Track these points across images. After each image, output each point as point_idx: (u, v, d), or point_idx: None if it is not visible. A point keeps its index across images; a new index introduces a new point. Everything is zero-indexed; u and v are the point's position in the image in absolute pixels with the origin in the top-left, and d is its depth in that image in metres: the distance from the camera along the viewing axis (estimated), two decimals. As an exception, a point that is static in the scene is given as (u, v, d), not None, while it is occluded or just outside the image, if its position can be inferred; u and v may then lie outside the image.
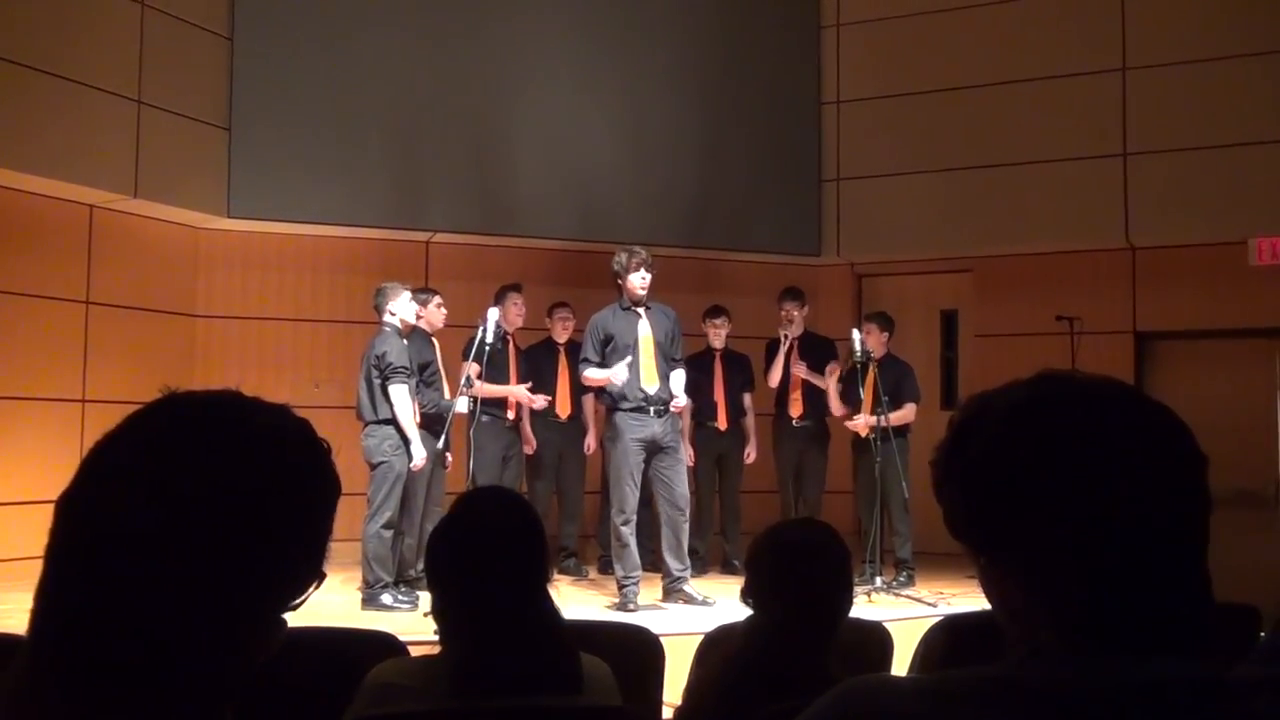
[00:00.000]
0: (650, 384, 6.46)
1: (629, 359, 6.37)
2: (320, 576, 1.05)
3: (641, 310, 6.57)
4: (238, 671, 1.00)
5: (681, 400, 6.57)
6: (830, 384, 7.69)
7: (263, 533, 0.98)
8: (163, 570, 0.95)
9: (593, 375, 6.53)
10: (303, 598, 1.04)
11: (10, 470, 6.91)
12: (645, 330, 6.52)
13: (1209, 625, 1.01)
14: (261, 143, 8.06)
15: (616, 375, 6.35)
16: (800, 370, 7.79)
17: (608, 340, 6.50)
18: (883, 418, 7.11)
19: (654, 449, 6.44)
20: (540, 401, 7.38)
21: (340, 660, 2.53)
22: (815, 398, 7.86)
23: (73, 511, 0.98)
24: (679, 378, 6.62)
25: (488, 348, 6.85)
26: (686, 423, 7.57)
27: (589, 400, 8.03)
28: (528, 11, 8.77)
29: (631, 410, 6.42)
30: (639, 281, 6.50)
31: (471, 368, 6.85)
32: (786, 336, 7.88)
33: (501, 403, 7.33)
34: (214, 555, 0.96)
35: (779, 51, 9.47)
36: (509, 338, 7.44)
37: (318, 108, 8.17)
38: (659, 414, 6.45)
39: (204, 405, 1.03)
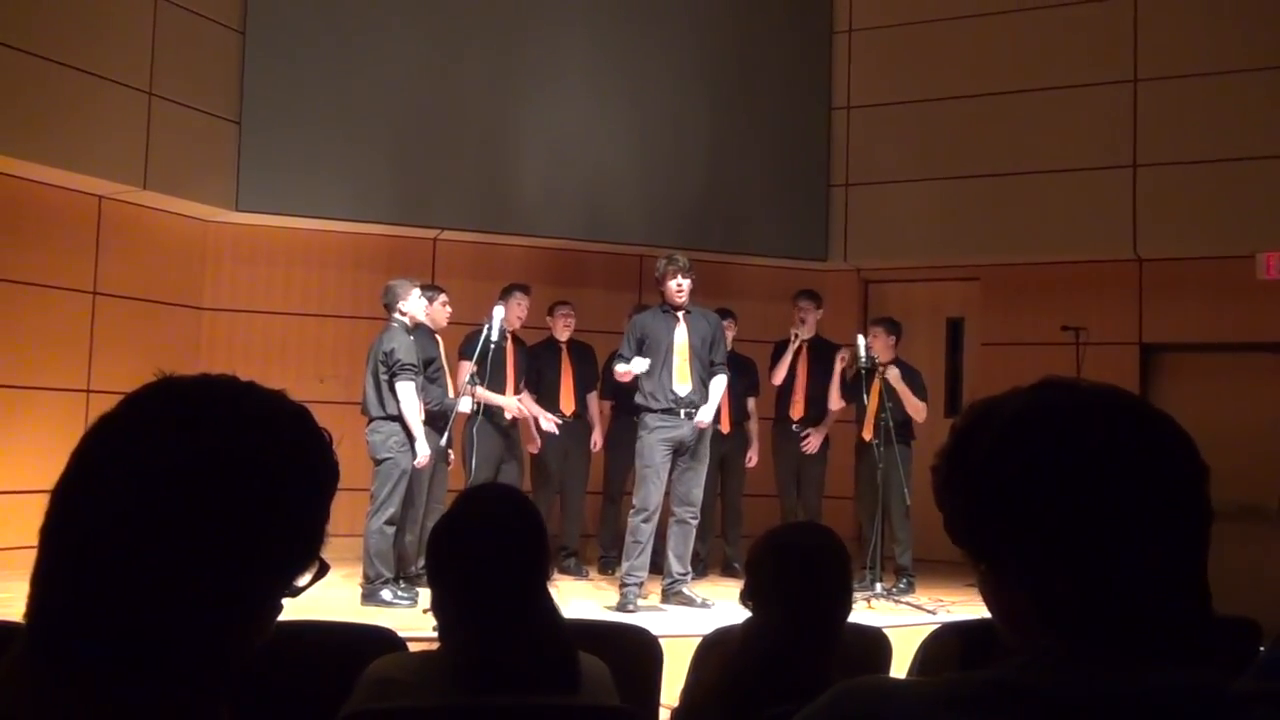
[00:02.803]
0: (682, 386, 6.51)
1: (651, 360, 6.45)
2: (323, 567, 1.05)
3: (680, 314, 6.62)
4: (234, 654, 1.00)
5: (707, 418, 6.56)
6: (834, 379, 7.72)
7: (256, 514, 0.98)
8: (156, 551, 0.95)
9: (619, 368, 6.59)
10: (303, 585, 1.04)
11: (14, 459, 6.93)
12: (681, 333, 6.59)
13: (1208, 635, 1.01)
14: (271, 137, 8.07)
15: (636, 366, 6.43)
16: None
17: (643, 340, 6.56)
18: (887, 424, 7.10)
19: (680, 450, 6.48)
20: (521, 411, 7.38)
21: (339, 654, 2.54)
22: (816, 402, 7.86)
23: (66, 494, 0.98)
24: (718, 384, 6.67)
25: (493, 345, 6.85)
26: None
27: (593, 399, 8.03)
28: (538, 12, 8.78)
29: (661, 411, 6.46)
30: (675, 288, 6.57)
31: (472, 368, 6.86)
32: (797, 336, 7.88)
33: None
34: (207, 536, 0.96)
35: (790, 56, 9.47)
36: (509, 336, 7.42)
37: (328, 103, 8.18)
38: (689, 416, 6.49)
39: (198, 388, 1.03)
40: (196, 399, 1.02)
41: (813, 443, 7.77)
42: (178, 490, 0.95)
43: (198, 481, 0.96)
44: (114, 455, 0.98)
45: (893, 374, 7.38)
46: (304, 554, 1.03)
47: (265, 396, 1.04)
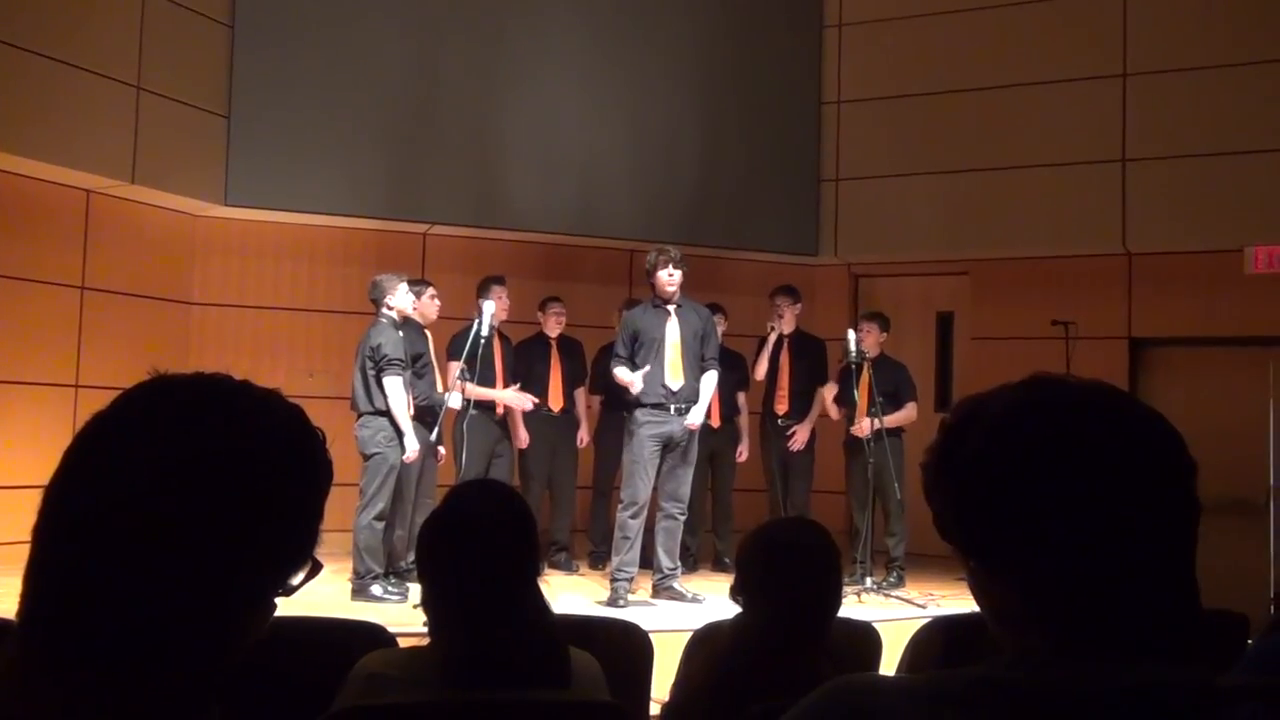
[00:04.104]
0: (674, 381, 6.50)
1: (647, 368, 6.42)
2: (316, 565, 1.05)
3: (671, 308, 6.60)
4: (228, 652, 1.00)
5: (697, 420, 6.54)
6: (827, 398, 7.72)
7: (250, 512, 0.98)
8: (150, 550, 0.95)
9: (619, 375, 6.54)
10: (295, 584, 1.04)
11: (2, 454, 6.90)
12: (673, 328, 6.56)
13: (1196, 630, 1.01)
14: (260, 131, 8.04)
15: (635, 384, 6.40)
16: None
17: (636, 336, 6.54)
18: (877, 419, 7.11)
19: (669, 446, 6.47)
20: (527, 404, 7.39)
21: (329, 650, 2.54)
22: (802, 397, 7.86)
23: (59, 492, 0.98)
24: (709, 381, 6.65)
25: (483, 341, 6.84)
26: None
27: (581, 394, 8.03)
28: (529, 6, 8.76)
29: (652, 406, 6.44)
30: (666, 278, 6.54)
31: (461, 366, 6.85)
32: (773, 328, 7.88)
33: (491, 396, 7.33)
34: (201, 535, 0.95)
35: (780, 50, 9.47)
36: (494, 331, 7.41)
37: (317, 97, 8.16)
38: (680, 411, 6.48)
39: (192, 386, 1.03)
40: (190, 398, 1.01)
41: (799, 438, 7.77)
42: (171, 489, 0.95)
43: (191, 480, 0.96)
44: (108, 454, 0.98)
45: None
46: (298, 553, 1.03)
47: (259, 395, 1.04)
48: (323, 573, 1.07)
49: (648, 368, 6.43)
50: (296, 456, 1.03)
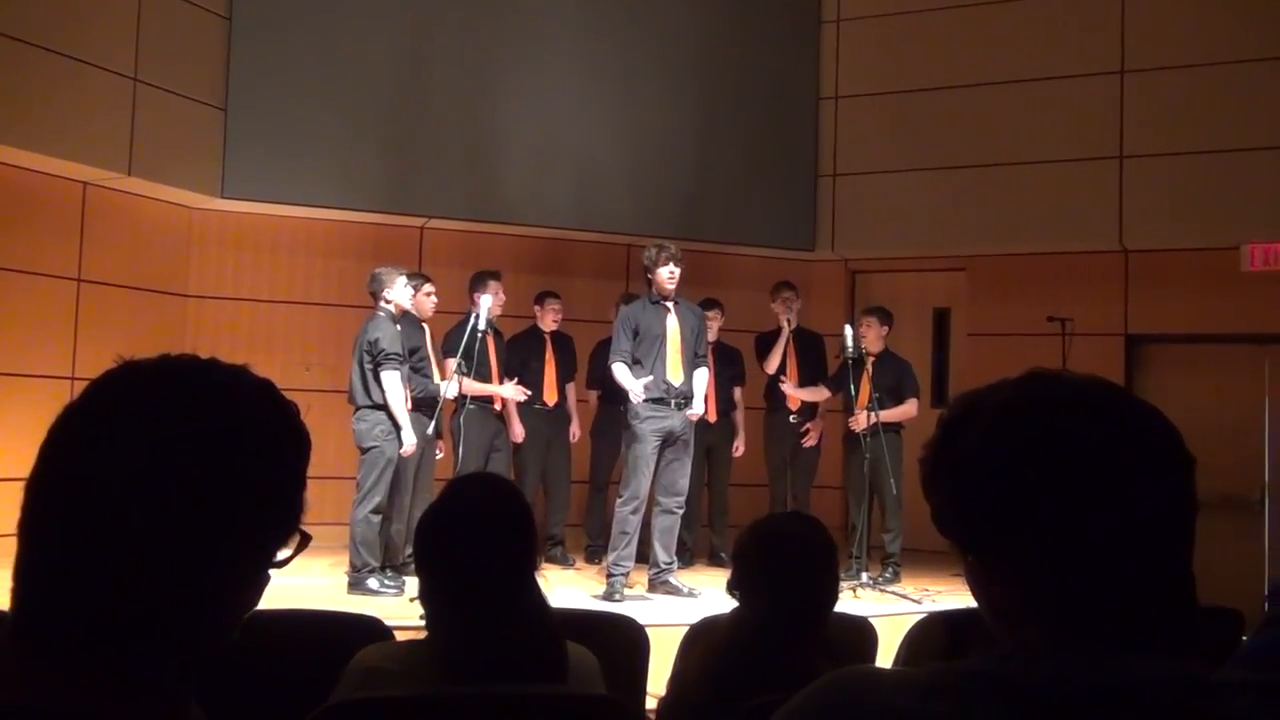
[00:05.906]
0: (675, 377, 6.53)
1: (649, 378, 6.43)
2: (305, 538, 1.05)
3: (670, 304, 6.61)
4: (221, 631, 1.00)
5: (700, 409, 6.60)
6: (819, 392, 7.76)
7: (230, 490, 0.98)
8: (134, 535, 0.95)
9: (620, 377, 6.54)
10: (284, 557, 1.04)
11: (-2, 446, 6.89)
12: (673, 324, 6.59)
13: (1192, 625, 1.01)
14: (257, 124, 8.03)
15: (635, 392, 6.40)
16: (790, 388, 7.80)
17: (637, 332, 6.57)
18: (874, 414, 7.11)
19: (669, 440, 6.48)
20: (520, 396, 7.38)
21: (326, 643, 2.54)
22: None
23: (38, 487, 0.98)
24: (701, 377, 6.68)
25: (480, 335, 6.84)
26: None
27: (572, 389, 8.02)
28: (526, 1, 8.75)
29: (653, 401, 6.45)
30: (667, 275, 6.56)
31: (456, 364, 6.85)
32: (790, 321, 7.89)
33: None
34: (183, 516, 0.95)
35: (778, 45, 9.46)
36: (490, 326, 7.40)
37: (315, 90, 8.15)
38: (679, 407, 6.50)
39: (160, 370, 1.03)
40: (158, 382, 1.01)
41: (813, 436, 7.81)
42: (149, 474, 0.95)
43: (166, 464, 0.96)
44: (83, 445, 0.98)
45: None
46: (282, 526, 1.03)
47: (227, 372, 1.04)
48: (320, 566, 1.07)
49: (649, 377, 6.44)
50: (271, 429, 1.03)
